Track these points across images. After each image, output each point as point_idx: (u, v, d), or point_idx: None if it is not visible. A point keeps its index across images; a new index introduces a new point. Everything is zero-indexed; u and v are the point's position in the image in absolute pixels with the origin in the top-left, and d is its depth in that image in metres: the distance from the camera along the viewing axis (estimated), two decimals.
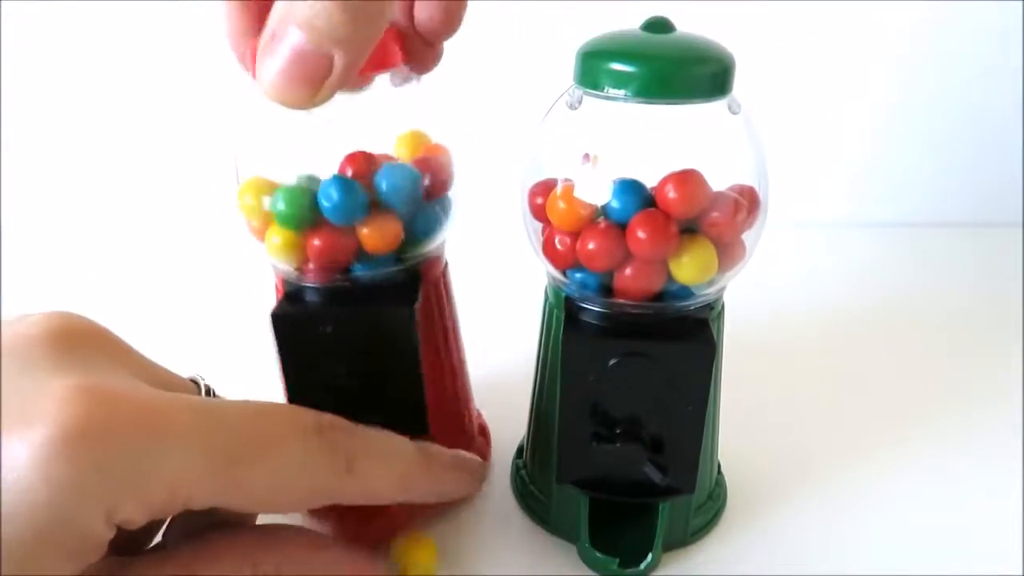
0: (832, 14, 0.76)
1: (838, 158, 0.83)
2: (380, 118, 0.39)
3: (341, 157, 0.37)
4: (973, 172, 0.84)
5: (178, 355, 0.59)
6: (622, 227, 0.35)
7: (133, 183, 0.81)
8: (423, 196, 0.37)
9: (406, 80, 0.38)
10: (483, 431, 0.49)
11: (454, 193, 0.40)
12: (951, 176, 0.85)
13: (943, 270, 0.76)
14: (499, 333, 0.58)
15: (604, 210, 0.36)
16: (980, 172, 0.84)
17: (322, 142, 0.38)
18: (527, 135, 0.40)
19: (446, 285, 0.44)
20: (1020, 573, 0.40)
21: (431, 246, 0.40)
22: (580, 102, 0.36)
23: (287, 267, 0.37)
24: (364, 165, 0.37)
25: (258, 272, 0.42)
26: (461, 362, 0.46)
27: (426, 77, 0.40)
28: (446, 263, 0.44)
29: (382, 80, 0.37)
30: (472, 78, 0.74)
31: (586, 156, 0.36)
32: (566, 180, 0.37)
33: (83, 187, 0.80)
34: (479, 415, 0.51)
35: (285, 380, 0.38)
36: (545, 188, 0.38)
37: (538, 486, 0.44)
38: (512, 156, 0.42)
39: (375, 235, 0.36)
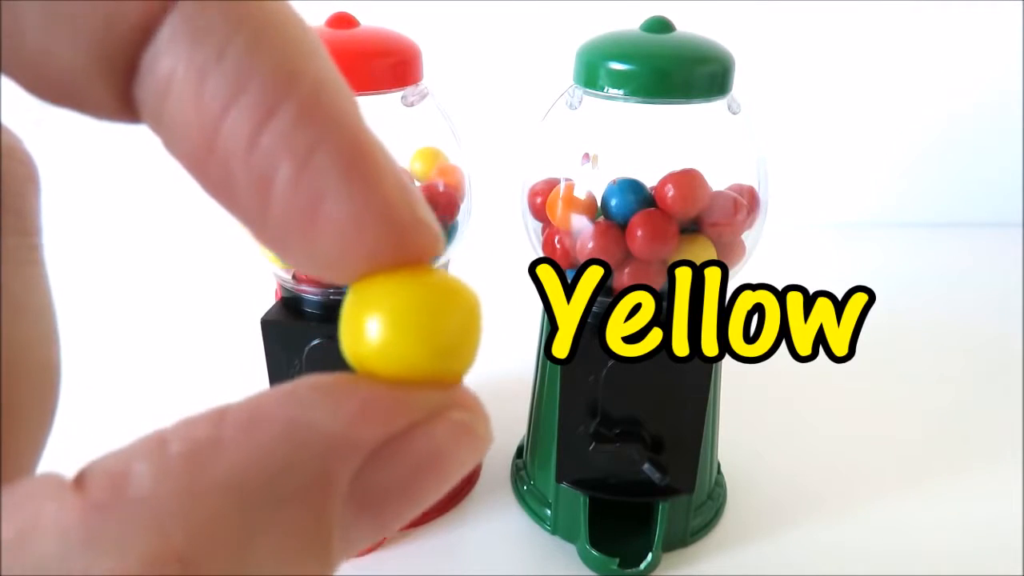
0: (832, 14, 0.76)
1: (838, 158, 0.83)
2: (395, 134, 0.39)
3: None
4: (973, 172, 0.84)
5: (178, 355, 0.60)
6: (622, 227, 0.35)
7: (140, 188, 0.81)
8: None
9: (421, 99, 0.38)
10: None
11: (462, 216, 0.39)
12: (951, 176, 0.85)
13: (943, 270, 0.76)
14: (499, 333, 0.58)
15: (604, 210, 0.36)
16: (980, 172, 0.84)
17: None
18: (527, 135, 0.40)
19: None
20: (1020, 573, 0.40)
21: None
22: (580, 102, 0.36)
23: (285, 275, 0.37)
24: None
25: (263, 278, 0.42)
26: None
27: (440, 89, 0.40)
28: None
29: (395, 99, 0.36)
30: (472, 78, 0.74)
31: (586, 156, 0.36)
32: (566, 180, 0.37)
33: (88, 192, 0.80)
34: None
35: (271, 385, 0.38)
36: (545, 188, 0.38)
37: (538, 486, 0.44)
38: (512, 156, 0.42)
39: None
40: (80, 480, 0.10)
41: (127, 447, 0.10)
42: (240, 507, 0.10)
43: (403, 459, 0.11)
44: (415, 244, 0.12)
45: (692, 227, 0.35)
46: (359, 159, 0.11)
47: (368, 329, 0.12)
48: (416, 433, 0.12)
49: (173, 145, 0.11)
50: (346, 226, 0.11)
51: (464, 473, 0.12)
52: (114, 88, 0.11)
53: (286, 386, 0.11)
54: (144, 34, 0.11)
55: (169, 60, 0.10)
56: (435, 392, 0.12)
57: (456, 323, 0.12)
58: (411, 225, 0.12)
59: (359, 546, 0.12)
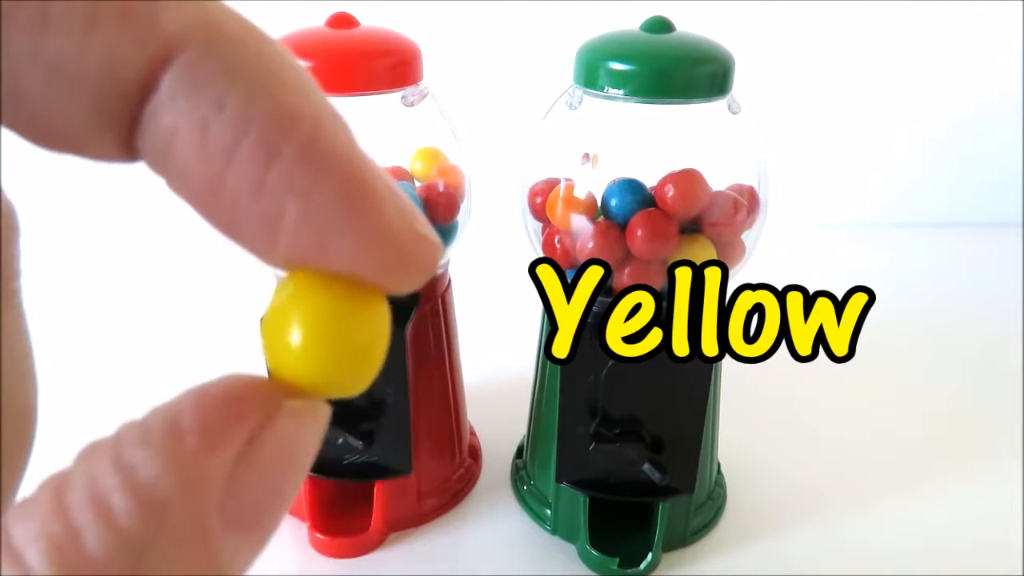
0: (832, 14, 0.76)
1: (838, 158, 0.83)
2: (395, 134, 0.39)
3: None
4: (973, 172, 0.84)
5: (178, 355, 0.60)
6: (622, 227, 0.35)
7: (140, 188, 0.80)
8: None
9: (421, 99, 0.38)
10: (474, 452, 0.48)
11: (462, 216, 0.39)
12: (951, 176, 0.85)
13: (943, 270, 0.76)
14: (499, 333, 0.58)
15: (604, 210, 0.36)
16: (980, 172, 0.84)
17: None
18: (527, 135, 0.40)
19: (446, 309, 0.43)
20: (1020, 573, 0.40)
21: None
22: (580, 102, 0.36)
23: (283, 274, 0.37)
24: None
25: (263, 278, 0.42)
26: (459, 385, 0.46)
27: (440, 89, 0.40)
28: (449, 281, 0.43)
29: (395, 98, 0.36)
30: (472, 78, 0.74)
31: (586, 156, 0.36)
32: (566, 180, 0.37)
33: (88, 192, 0.80)
34: (472, 434, 0.49)
35: None
36: (545, 188, 0.38)
37: (538, 486, 0.44)
38: (512, 156, 0.42)
39: None
40: None
41: None
42: None
43: (258, 468, 0.11)
44: (418, 259, 0.13)
45: (692, 227, 0.35)
46: (359, 190, 0.12)
47: (289, 338, 0.12)
48: (260, 440, 0.12)
49: (179, 190, 0.12)
50: (352, 255, 0.12)
51: (314, 454, 0.13)
52: (116, 139, 0.11)
53: (108, 448, 0.11)
54: (145, 89, 0.11)
55: (171, 114, 0.11)
56: (262, 389, 0.12)
57: (368, 335, 0.13)
58: (413, 243, 0.12)
59: (253, 557, 0.12)
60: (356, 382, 0.13)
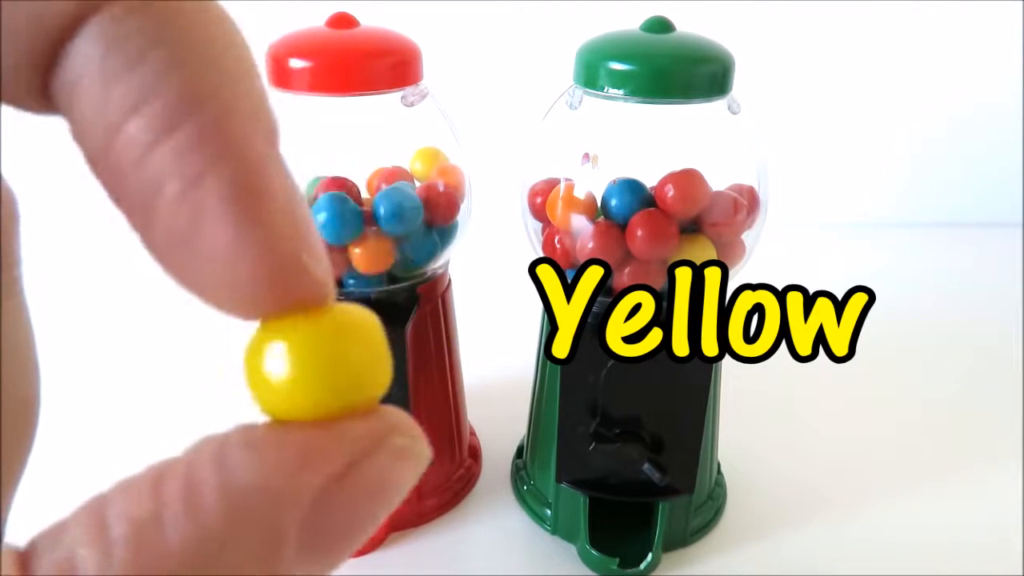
0: (832, 14, 0.76)
1: (838, 158, 0.83)
2: (395, 134, 0.39)
3: (350, 168, 0.37)
4: (973, 172, 0.84)
5: (178, 355, 0.60)
6: (622, 227, 0.35)
7: None
8: (426, 222, 0.37)
9: (421, 99, 0.38)
10: (474, 452, 0.48)
11: (462, 216, 0.39)
12: (951, 176, 0.85)
13: (943, 270, 0.76)
14: (499, 333, 0.58)
15: (604, 210, 0.36)
16: (980, 172, 0.84)
17: (334, 152, 0.38)
18: (527, 135, 0.40)
19: (446, 309, 0.43)
20: (1020, 573, 0.40)
21: (430, 269, 0.40)
22: (580, 102, 0.36)
23: None
24: (354, 190, 0.37)
25: None
26: (459, 385, 0.46)
27: (440, 89, 0.40)
28: (449, 281, 0.43)
29: (395, 98, 0.36)
30: (472, 78, 0.74)
31: (586, 156, 0.36)
32: (566, 180, 0.37)
33: (87, 191, 0.80)
34: (472, 434, 0.49)
35: None
36: (545, 188, 0.38)
37: (538, 486, 0.44)
38: (512, 156, 0.42)
39: (365, 257, 0.35)
40: (26, 562, 0.10)
41: (70, 525, 0.10)
42: None
43: (348, 496, 0.11)
44: (296, 286, 0.12)
45: (692, 227, 0.35)
46: (249, 191, 0.11)
47: (270, 375, 0.12)
48: (359, 467, 0.11)
49: (77, 140, 0.11)
50: (223, 255, 0.11)
51: (405, 495, 0.12)
52: (33, 83, 0.11)
53: (215, 445, 0.11)
54: (67, 33, 0.11)
55: (82, 60, 0.11)
56: (372, 421, 0.12)
57: (358, 355, 0.12)
58: (292, 266, 0.11)
59: None
60: (373, 391, 0.12)
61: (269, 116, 0.12)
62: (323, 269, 0.12)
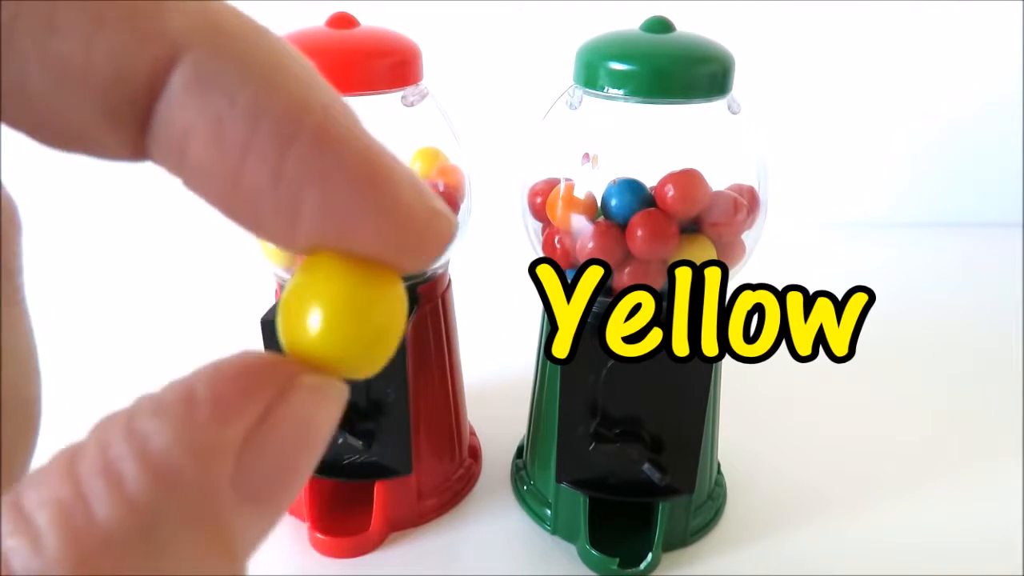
0: (832, 14, 0.76)
1: (838, 158, 0.83)
2: (395, 134, 0.39)
3: None
4: (973, 172, 0.84)
5: (178, 356, 0.60)
6: (622, 227, 0.35)
7: (140, 187, 0.80)
8: None
9: (421, 99, 0.38)
10: (474, 452, 0.48)
11: (462, 216, 0.39)
12: (951, 176, 0.85)
13: (943, 270, 0.76)
14: (499, 333, 0.58)
15: (604, 210, 0.36)
16: (980, 172, 0.84)
17: None
18: (527, 135, 0.40)
19: (446, 309, 0.43)
20: (1020, 574, 0.40)
21: (430, 269, 0.40)
22: (580, 102, 0.36)
23: (285, 274, 0.37)
24: None
25: (263, 278, 0.42)
26: (459, 385, 0.45)
27: (440, 89, 0.39)
28: (449, 281, 0.43)
29: (395, 98, 0.36)
30: (472, 78, 0.74)
31: (586, 156, 0.36)
32: (566, 180, 0.37)
33: (88, 191, 0.80)
34: (472, 434, 0.49)
35: None
36: (545, 188, 0.38)
37: (538, 486, 0.44)
38: (512, 156, 0.42)
39: None
40: None
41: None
42: (130, 555, 0.10)
43: (273, 441, 0.11)
44: (435, 235, 0.13)
45: (692, 227, 0.35)
46: (374, 172, 0.12)
47: (309, 316, 0.12)
48: (276, 412, 0.11)
49: (197, 187, 0.12)
50: (373, 236, 0.12)
51: (332, 431, 0.13)
52: (124, 139, 0.11)
53: (121, 419, 0.11)
54: (152, 89, 0.11)
55: (184, 113, 0.11)
56: (278, 366, 0.12)
57: (386, 315, 0.13)
58: (430, 220, 0.13)
59: (263, 535, 0.12)
60: (372, 362, 0.13)
61: (344, 102, 0.12)
62: (445, 206, 0.13)
